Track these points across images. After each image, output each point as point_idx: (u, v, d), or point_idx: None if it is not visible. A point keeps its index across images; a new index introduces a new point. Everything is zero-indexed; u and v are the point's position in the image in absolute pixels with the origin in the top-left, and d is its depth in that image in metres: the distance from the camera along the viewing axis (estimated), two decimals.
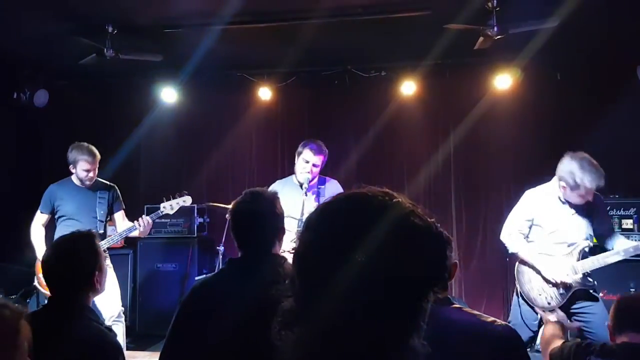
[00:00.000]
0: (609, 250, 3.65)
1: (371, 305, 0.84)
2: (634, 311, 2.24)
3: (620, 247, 3.57)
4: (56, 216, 4.60)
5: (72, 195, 4.58)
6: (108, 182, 4.77)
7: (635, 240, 3.57)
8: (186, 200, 4.78)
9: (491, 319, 1.75)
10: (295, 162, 4.21)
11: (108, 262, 4.17)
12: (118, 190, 4.77)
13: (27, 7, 4.65)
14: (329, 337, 0.84)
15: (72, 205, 4.55)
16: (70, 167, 4.55)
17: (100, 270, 2.29)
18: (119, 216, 4.74)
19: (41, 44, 5.54)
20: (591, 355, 2.12)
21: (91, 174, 4.55)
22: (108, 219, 4.70)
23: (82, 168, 4.51)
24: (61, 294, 2.19)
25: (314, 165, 4.07)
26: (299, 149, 4.19)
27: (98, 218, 4.59)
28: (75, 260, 2.22)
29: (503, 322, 1.78)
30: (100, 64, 5.32)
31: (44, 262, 2.26)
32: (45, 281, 2.26)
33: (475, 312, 1.80)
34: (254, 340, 1.30)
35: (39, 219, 4.59)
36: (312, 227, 0.93)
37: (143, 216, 4.54)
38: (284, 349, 0.88)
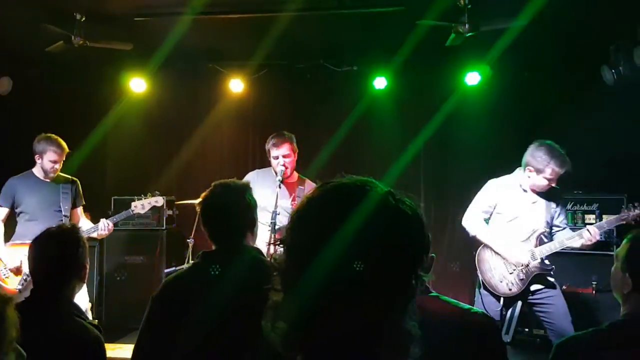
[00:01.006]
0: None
1: (360, 290, 0.85)
2: None
3: (574, 233, 3.74)
4: (17, 210, 4.47)
5: (34, 189, 4.47)
6: (70, 176, 4.67)
7: (600, 237, 3.74)
8: (158, 201, 4.77)
9: (467, 306, 1.79)
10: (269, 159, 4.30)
11: None
12: (80, 185, 4.69)
13: None
14: (320, 322, 0.86)
15: (34, 199, 4.45)
16: (37, 157, 4.44)
17: (87, 264, 2.30)
18: (79, 212, 4.69)
19: (7, 30, 5.37)
20: (603, 350, 1.76)
21: (57, 166, 4.45)
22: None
23: (49, 159, 4.41)
24: (48, 288, 2.17)
25: (283, 156, 4.15)
26: (266, 147, 4.28)
27: (63, 213, 4.50)
28: (69, 253, 2.21)
29: (479, 310, 1.81)
30: (69, 52, 5.19)
31: (35, 256, 2.23)
32: (33, 275, 2.22)
33: (452, 300, 1.83)
34: (234, 331, 1.30)
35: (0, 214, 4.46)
36: (301, 219, 0.94)
37: (103, 220, 4.49)
38: (276, 339, 0.89)
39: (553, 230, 3.92)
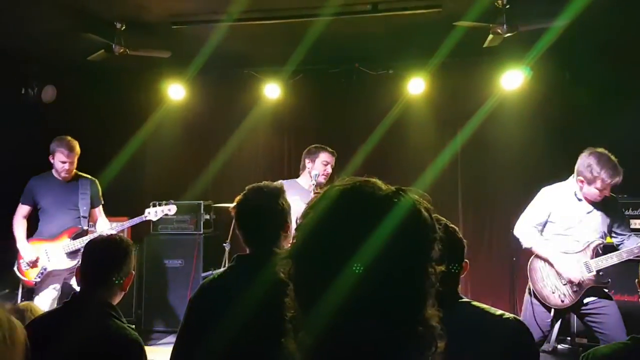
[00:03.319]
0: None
1: (376, 295, 0.84)
2: None
3: (632, 245, 3.57)
4: (38, 209, 4.66)
5: (51, 188, 4.64)
6: (89, 176, 4.81)
7: None
8: (171, 209, 5.03)
9: (499, 312, 1.75)
10: (308, 166, 4.48)
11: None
12: (99, 185, 4.83)
13: (36, 3, 4.66)
14: (338, 329, 0.84)
15: (51, 198, 4.61)
16: (50, 157, 4.61)
17: (133, 273, 2.38)
18: (98, 211, 4.85)
19: (50, 40, 5.55)
20: None
21: (67, 166, 4.58)
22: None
23: (59, 159, 4.58)
24: (90, 292, 2.24)
25: (332, 167, 4.43)
26: (313, 154, 4.49)
27: (81, 214, 4.66)
28: (116, 261, 2.29)
29: (511, 315, 1.77)
30: (109, 60, 5.33)
31: (87, 257, 2.32)
32: (82, 275, 2.30)
33: (484, 305, 1.80)
34: (264, 335, 1.30)
35: (20, 211, 4.66)
36: (311, 222, 0.92)
37: (114, 224, 4.81)
38: (295, 350, 0.88)
39: (618, 240, 3.73)
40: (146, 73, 6.52)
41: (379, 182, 0.94)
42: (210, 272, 5.51)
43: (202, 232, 6.15)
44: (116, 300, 2.30)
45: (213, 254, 6.07)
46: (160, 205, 4.97)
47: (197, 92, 6.59)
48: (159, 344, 5.39)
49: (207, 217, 6.26)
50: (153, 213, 4.91)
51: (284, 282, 0.96)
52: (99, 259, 2.30)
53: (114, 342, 2.08)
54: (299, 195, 4.10)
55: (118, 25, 5.02)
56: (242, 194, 2.25)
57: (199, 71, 6.12)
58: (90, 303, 2.20)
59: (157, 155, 6.92)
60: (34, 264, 4.51)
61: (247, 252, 2.23)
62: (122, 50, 5.07)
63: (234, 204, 2.25)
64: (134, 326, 3.72)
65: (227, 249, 5.26)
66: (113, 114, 6.67)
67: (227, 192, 5.82)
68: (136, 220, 4.82)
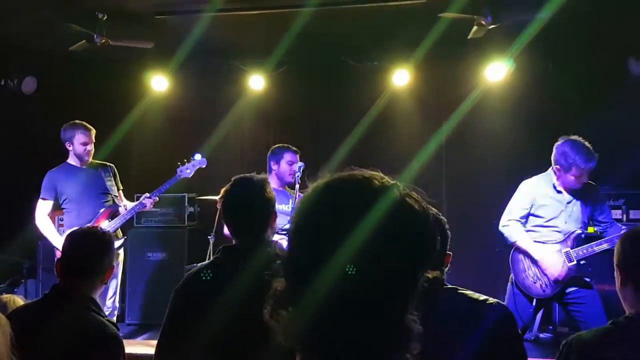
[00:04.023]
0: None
1: (366, 284, 0.83)
2: None
3: (614, 234, 3.62)
4: (60, 201, 4.52)
5: (74, 177, 4.52)
6: (104, 162, 4.75)
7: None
8: (202, 162, 4.88)
9: (483, 297, 1.77)
10: (273, 168, 4.54)
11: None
12: (116, 169, 4.77)
13: None
14: (324, 314, 0.84)
15: (77, 187, 4.48)
16: (67, 144, 4.51)
17: (113, 266, 2.38)
18: (121, 194, 4.78)
19: (30, 31, 5.46)
20: (606, 348, 1.75)
21: (89, 147, 4.52)
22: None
23: (80, 142, 4.48)
24: (72, 283, 2.22)
25: (297, 164, 4.44)
26: (277, 154, 4.54)
27: (112, 194, 4.58)
28: (98, 254, 2.28)
29: (495, 300, 1.80)
30: (91, 51, 5.25)
31: (67, 250, 2.30)
32: (60, 270, 2.27)
33: (468, 291, 1.82)
34: (252, 325, 1.29)
35: (44, 208, 4.48)
36: (308, 207, 0.92)
37: (145, 195, 4.63)
38: (277, 328, 0.87)
39: (601, 227, 3.79)
40: (129, 64, 6.43)
41: (378, 175, 0.93)
42: (195, 265, 5.47)
43: (186, 224, 6.11)
44: (97, 292, 2.29)
45: (198, 247, 6.04)
46: (188, 162, 4.78)
47: (180, 83, 6.53)
48: (142, 338, 5.36)
49: (192, 209, 6.22)
50: (185, 170, 4.75)
51: (268, 267, 0.96)
52: (80, 252, 2.27)
53: (92, 337, 2.07)
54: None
55: (100, 16, 4.95)
56: (228, 185, 2.25)
57: (183, 62, 6.06)
58: (70, 296, 2.18)
59: (141, 147, 6.86)
60: None
61: (233, 243, 2.22)
62: (104, 41, 5.01)
63: (220, 195, 2.24)
64: (114, 319, 3.70)
65: (211, 241, 5.23)
66: (95, 106, 6.55)
67: (212, 185, 5.78)
68: (168, 184, 4.71)
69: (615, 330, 1.78)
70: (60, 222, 4.58)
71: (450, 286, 1.82)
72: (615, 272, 1.92)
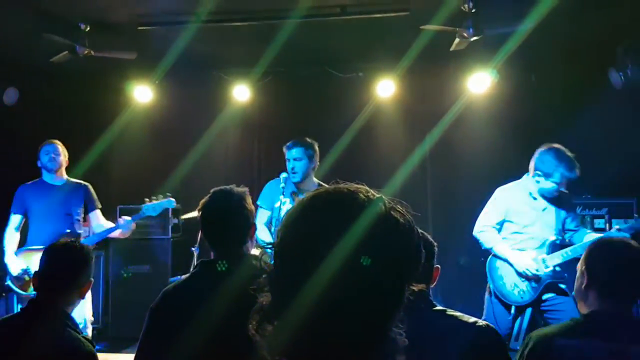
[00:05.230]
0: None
1: (352, 298, 0.83)
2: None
3: (588, 240, 3.66)
4: (28, 215, 4.46)
5: (43, 193, 4.46)
6: (80, 181, 4.67)
7: None
8: (169, 204, 4.65)
9: (473, 319, 1.77)
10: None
11: None
12: (91, 188, 4.66)
13: None
14: (310, 327, 0.83)
15: (43, 204, 4.42)
16: (38, 162, 4.49)
17: (91, 281, 2.31)
18: (95, 216, 4.61)
19: (12, 41, 5.40)
20: (563, 339, 1.93)
21: (53, 156, 4.46)
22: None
23: (44, 153, 4.46)
24: (49, 298, 2.16)
25: (294, 159, 4.16)
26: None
27: (75, 217, 4.47)
28: (76, 269, 2.23)
29: (484, 322, 1.80)
30: (73, 62, 5.20)
31: (44, 265, 2.23)
32: (37, 284, 2.22)
33: (457, 313, 1.81)
34: (233, 341, 1.27)
35: (13, 222, 4.44)
36: (294, 221, 0.92)
37: (125, 217, 4.45)
38: (262, 343, 0.87)
39: (568, 235, 3.84)
40: (112, 75, 6.39)
41: (363, 188, 0.94)
42: (178, 277, 5.41)
43: (170, 236, 6.06)
44: (73, 307, 2.24)
45: (181, 258, 5.98)
46: (157, 199, 4.52)
47: (164, 94, 6.49)
48: (126, 352, 5.28)
49: (176, 221, 6.16)
50: (151, 209, 4.49)
51: (252, 282, 0.95)
52: (58, 266, 2.23)
53: (68, 354, 2.02)
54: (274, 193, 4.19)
55: (82, 27, 4.91)
56: (207, 196, 2.22)
57: (166, 73, 6.03)
58: (47, 311, 2.13)
59: (124, 158, 6.78)
60: (21, 279, 4.21)
61: (212, 256, 2.19)
62: (86, 52, 4.96)
63: (199, 207, 2.21)
64: (89, 335, 3.62)
65: (195, 253, 5.17)
66: (78, 117, 6.51)
67: (197, 196, 5.70)
68: (138, 216, 4.46)
69: (573, 325, 1.94)
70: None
71: (439, 307, 1.82)
72: (577, 274, 2.05)
